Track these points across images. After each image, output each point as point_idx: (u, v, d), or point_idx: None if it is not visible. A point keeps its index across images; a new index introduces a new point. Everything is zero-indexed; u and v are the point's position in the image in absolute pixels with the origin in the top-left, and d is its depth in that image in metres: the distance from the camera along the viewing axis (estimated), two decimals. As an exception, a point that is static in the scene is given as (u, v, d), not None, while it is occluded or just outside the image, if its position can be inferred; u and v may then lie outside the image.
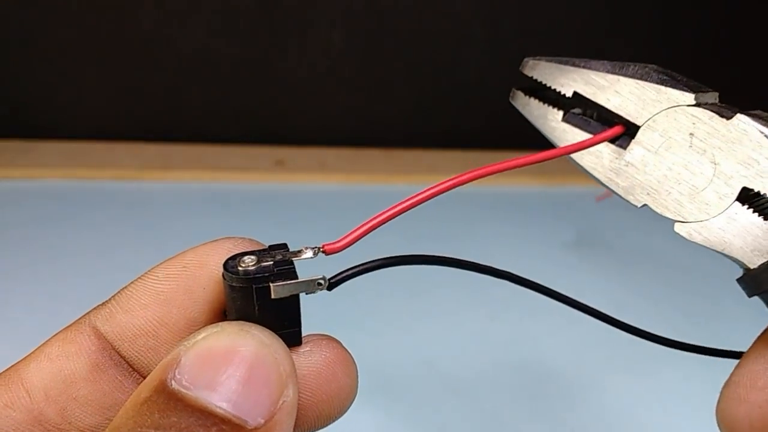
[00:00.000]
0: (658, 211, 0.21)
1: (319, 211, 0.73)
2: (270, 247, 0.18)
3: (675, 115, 0.20)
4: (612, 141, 0.21)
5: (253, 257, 0.18)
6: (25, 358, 0.19)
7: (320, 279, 0.18)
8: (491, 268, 0.21)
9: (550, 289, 0.23)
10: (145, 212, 0.71)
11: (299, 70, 0.87)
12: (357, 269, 0.19)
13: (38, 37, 0.81)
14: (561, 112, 0.23)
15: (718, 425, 0.18)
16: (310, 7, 0.84)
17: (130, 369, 0.19)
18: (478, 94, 0.89)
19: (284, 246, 0.18)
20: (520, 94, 0.24)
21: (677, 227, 0.20)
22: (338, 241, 0.18)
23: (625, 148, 0.21)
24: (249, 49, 0.85)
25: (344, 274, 0.19)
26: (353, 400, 0.19)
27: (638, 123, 0.21)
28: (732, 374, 0.18)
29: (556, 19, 0.89)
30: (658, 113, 0.20)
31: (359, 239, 0.18)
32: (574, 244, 0.70)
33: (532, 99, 0.24)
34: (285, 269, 0.17)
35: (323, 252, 0.18)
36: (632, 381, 0.50)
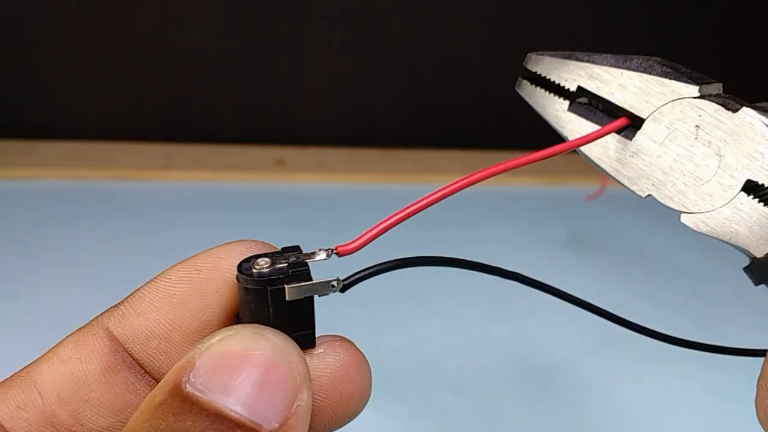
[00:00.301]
0: (663, 201, 0.21)
1: (319, 211, 0.73)
2: (283, 249, 0.18)
3: (681, 107, 0.20)
4: (617, 132, 0.22)
5: (267, 259, 0.18)
6: (37, 359, 0.19)
7: (334, 281, 0.18)
8: (500, 269, 0.21)
9: (558, 290, 0.23)
10: (145, 212, 0.71)
11: (299, 70, 0.87)
12: (370, 271, 0.19)
13: (38, 37, 0.81)
14: (567, 102, 0.23)
15: (761, 422, 0.18)
16: (310, 7, 0.84)
17: (143, 371, 0.19)
18: (479, 94, 0.89)
19: (297, 248, 0.18)
20: (526, 83, 0.24)
21: (683, 218, 0.20)
22: (351, 243, 0.18)
23: (630, 139, 0.21)
24: (249, 49, 0.85)
25: (357, 276, 0.19)
26: (367, 401, 0.19)
27: (643, 116, 0.21)
28: (763, 368, 0.18)
29: (557, 19, 0.89)
30: (663, 105, 0.21)
31: (372, 240, 0.18)
32: (572, 243, 0.70)
33: (537, 88, 0.24)
34: (299, 271, 0.17)
35: (336, 254, 0.18)
36: (632, 380, 0.50)
